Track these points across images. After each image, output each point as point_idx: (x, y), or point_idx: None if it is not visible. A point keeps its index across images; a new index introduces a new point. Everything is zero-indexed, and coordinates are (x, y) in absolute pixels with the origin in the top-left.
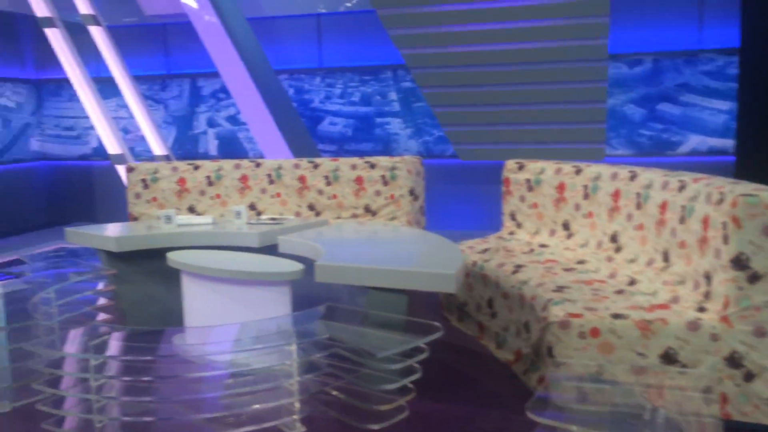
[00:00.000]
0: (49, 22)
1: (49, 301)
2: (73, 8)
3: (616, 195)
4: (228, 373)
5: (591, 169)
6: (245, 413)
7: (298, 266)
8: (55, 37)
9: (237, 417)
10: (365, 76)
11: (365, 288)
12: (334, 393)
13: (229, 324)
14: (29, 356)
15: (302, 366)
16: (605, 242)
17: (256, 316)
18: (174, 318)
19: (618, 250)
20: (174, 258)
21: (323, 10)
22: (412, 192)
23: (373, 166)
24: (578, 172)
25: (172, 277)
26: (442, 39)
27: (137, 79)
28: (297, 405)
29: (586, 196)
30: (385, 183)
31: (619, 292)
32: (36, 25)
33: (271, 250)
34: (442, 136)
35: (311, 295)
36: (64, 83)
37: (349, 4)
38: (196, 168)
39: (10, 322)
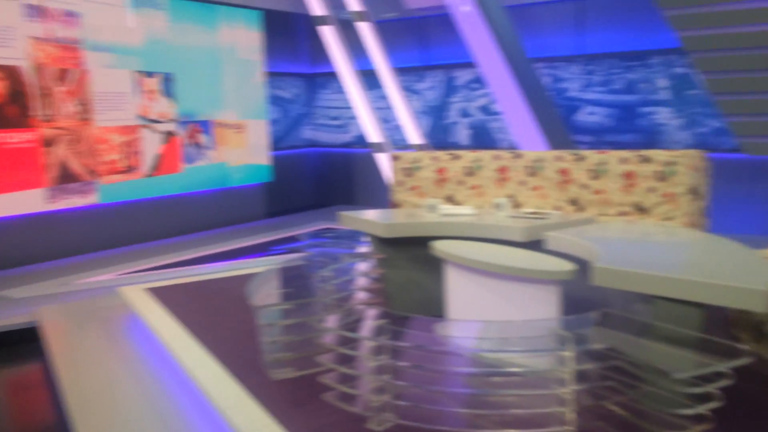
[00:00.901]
0: (323, 20)
1: (327, 279)
2: (344, 6)
3: None
4: (496, 371)
5: None
6: (511, 414)
7: (569, 265)
8: (327, 33)
9: (502, 417)
10: (630, 62)
11: (645, 296)
12: (613, 408)
13: (496, 320)
14: (311, 330)
15: (575, 374)
16: None
17: (522, 315)
18: (435, 306)
19: None
20: (439, 247)
21: None
22: (693, 190)
23: (646, 160)
24: None
25: (434, 265)
26: (729, 18)
27: (396, 71)
28: (571, 415)
29: None
30: (661, 179)
31: None
32: (311, 23)
33: (530, 245)
34: (721, 127)
35: (576, 298)
36: (332, 76)
37: None
38: (456, 158)
39: (295, 295)
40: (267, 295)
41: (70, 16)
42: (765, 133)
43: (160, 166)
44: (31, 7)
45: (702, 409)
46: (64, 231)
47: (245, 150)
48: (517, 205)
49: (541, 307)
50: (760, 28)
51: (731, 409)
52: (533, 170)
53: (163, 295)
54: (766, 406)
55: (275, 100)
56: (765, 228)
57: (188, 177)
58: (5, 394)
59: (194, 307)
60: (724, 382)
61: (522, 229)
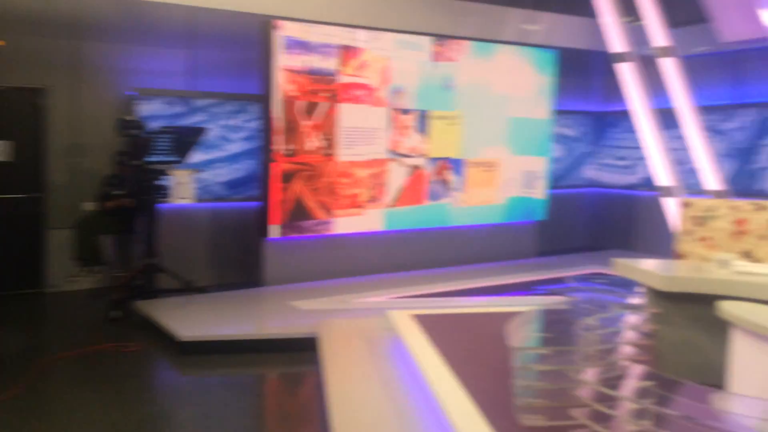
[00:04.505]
0: (621, 57)
1: (591, 328)
2: (647, 42)
3: None
4: None
5: None
6: None
7: None
8: (625, 70)
9: None
10: None
11: None
12: None
13: None
14: (567, 379)
15: None
16: None
17: None
18: (713, 373)
19: None
20: (729, 309)
21: None
22: None
23: None
24: None
25: (718, 327)
26: None
27: (700, 109)
28: None
29: None
30: None
31: None
32: (605, 61)
33: None
34: None
35: None
36: (624, 115)
37: None
38: (761, 209)
39: (554, 341)
40: (525, 337)
41: (327, 47)
42: None
43: (402, 198)
44: (290, 39)
45: None
46: (341, 253)
47: (496, 189)
48: None
49: None
50: None
51: None
52: None
53: (427, 322)
54: None
55: (560, 139)
56: None
57: (431, 212)
58: (281, 394)
59: (454, 338)
60: None
61: None
